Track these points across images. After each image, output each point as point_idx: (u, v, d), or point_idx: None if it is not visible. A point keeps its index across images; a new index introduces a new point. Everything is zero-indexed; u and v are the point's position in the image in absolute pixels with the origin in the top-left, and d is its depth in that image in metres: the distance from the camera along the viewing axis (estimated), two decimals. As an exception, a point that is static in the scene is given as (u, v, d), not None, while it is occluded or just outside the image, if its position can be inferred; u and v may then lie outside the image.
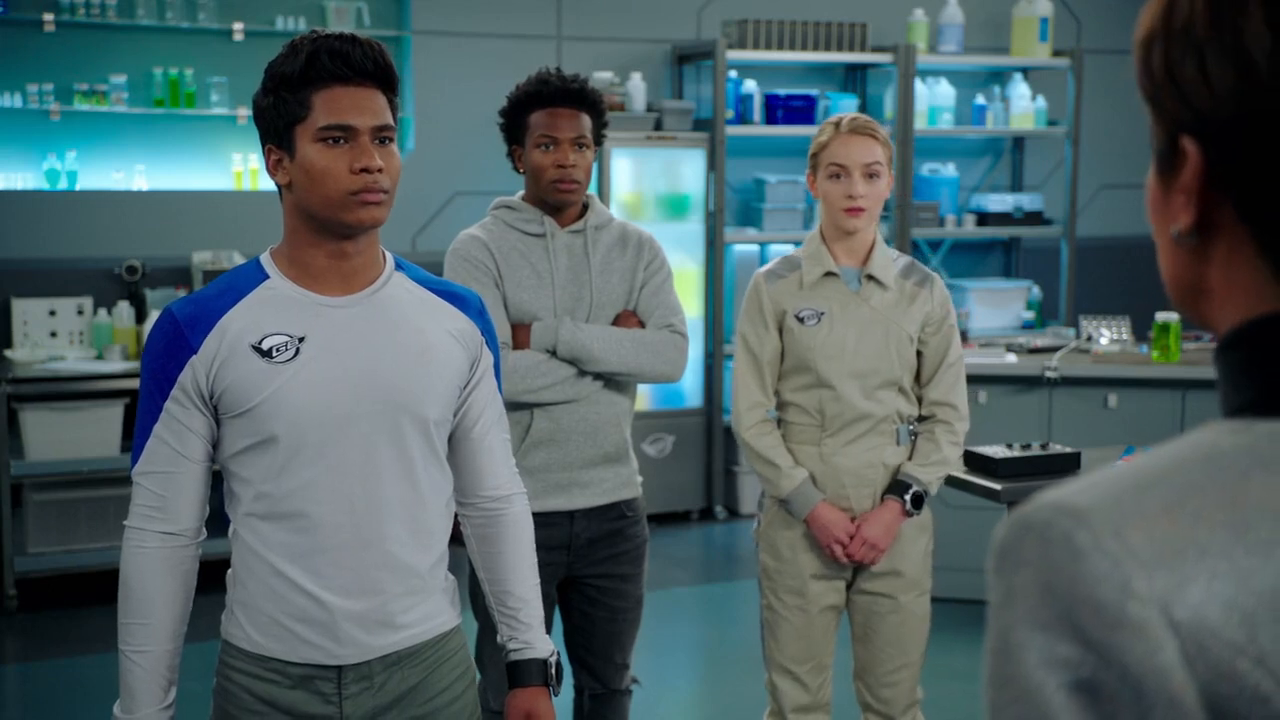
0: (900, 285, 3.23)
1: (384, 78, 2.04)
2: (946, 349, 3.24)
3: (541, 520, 3.13)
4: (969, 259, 7.85)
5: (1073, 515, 0.82)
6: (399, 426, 2.09)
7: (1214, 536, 0.80)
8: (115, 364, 5.73)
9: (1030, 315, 7.38)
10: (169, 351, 2.04)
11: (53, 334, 5.98)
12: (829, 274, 3.21)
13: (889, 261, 3.24)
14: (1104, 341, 5.55)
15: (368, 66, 2.03)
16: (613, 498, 3.20)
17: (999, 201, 7.50)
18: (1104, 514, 0.81)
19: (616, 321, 3.17)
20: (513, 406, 3.11)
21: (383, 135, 2.03)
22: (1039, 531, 0.83)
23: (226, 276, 2.12)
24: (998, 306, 7.32)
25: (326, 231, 2.05)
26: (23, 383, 5.54)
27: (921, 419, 3.27)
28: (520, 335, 3.11)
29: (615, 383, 3.18)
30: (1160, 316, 5.32)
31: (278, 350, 2.03)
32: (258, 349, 2.02)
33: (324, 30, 2.06)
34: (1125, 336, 5.61)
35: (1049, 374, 5.26)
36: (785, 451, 3.22)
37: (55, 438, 5.52)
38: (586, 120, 3.12)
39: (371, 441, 2.07)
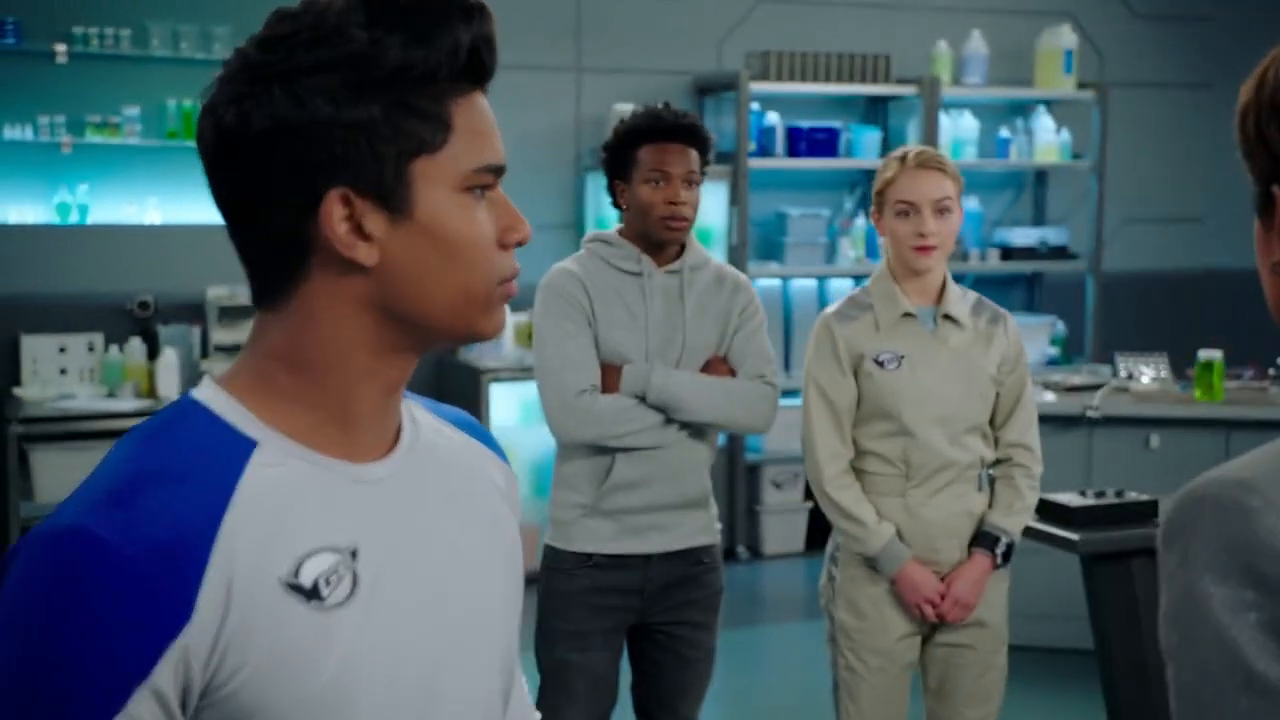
0: (974, 324, 3.10)
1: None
2: (1022, 389, 3.12)
3: (616, 563, 3.04)
4: (992, 293, 7.61)
5: (1241, 485, 0.97)
6: (488, 679, 1.24)
7: None
8: (127, 402, 5.58)
9: (1055, 351, 7.26)
10: (125, 622, 1.00)
11: (63, 371, 5.83)
12: (906, 315, 3.07)
13: (962, 299, 3.11)
14: (1145, 380, 5.40)
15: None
16: (690, 543, 3.10)
17: (1023, 235, 7.39)
18: (1270, 482, 0.97)
19: (707, 367, 3.06)
20: (594, 449, 3.02)
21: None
22: (1213, 500, 0.98)
23: (159, 444, 1.10)
24: (1022, 341, 7.19)
25: (410, 350, 1.17)
26: (32, 422, 5.40)
27: (997, 462, 3.13)
28: (609, 378, 3.01)
29: (699, 429, 3.07)
30: (1203, 354, 5.18)
31: (326, 583, 1.09)
32: (295, 586, 1.07)
33: None
34: (1164, 374, 5.47)
35: (1090, 413, 5.12)
36: (869, 505, 3.05)
37: (66, 479, 5.35)
38: (695, 156, 3.03)
39: (461, 713, 1.21)
